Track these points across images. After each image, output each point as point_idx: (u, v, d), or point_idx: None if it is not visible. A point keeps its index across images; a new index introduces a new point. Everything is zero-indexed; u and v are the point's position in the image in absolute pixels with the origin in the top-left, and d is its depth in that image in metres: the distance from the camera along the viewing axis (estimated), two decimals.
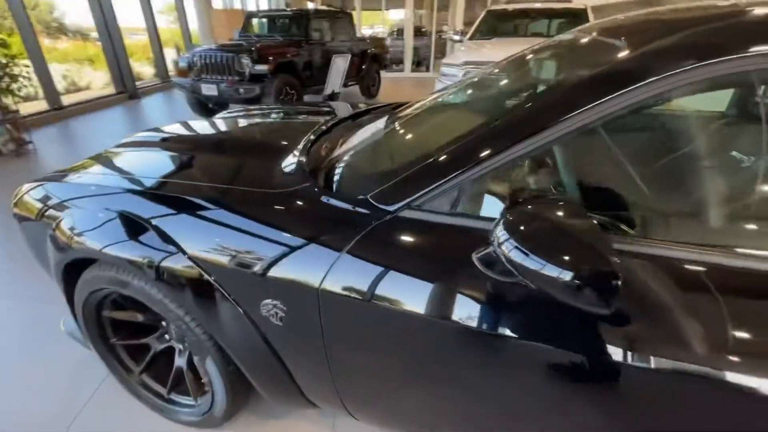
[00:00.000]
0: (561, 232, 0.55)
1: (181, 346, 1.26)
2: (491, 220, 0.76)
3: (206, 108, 5.52)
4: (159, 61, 8.45)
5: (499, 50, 3.90)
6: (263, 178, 1.03)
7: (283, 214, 0.89)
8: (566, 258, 0.53)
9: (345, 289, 0.79)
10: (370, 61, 7.16)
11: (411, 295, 0.75)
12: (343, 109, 1.90)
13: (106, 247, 1.00)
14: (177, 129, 1.59)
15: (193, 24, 9.49)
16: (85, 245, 1.03)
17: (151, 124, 5.52)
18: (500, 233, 0.59)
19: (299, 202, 0.90)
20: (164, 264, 0.94)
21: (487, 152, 0.71)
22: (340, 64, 4.45)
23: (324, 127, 1.36)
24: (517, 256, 0.57)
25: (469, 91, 1.32)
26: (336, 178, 0.99)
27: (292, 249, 0.84)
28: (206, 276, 0.91)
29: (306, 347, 0.92)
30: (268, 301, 0.88)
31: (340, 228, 0.82)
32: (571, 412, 0.69)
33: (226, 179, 1.05)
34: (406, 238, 0.77)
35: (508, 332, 0.67)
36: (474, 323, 0.70)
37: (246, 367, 1.01)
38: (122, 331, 1.31)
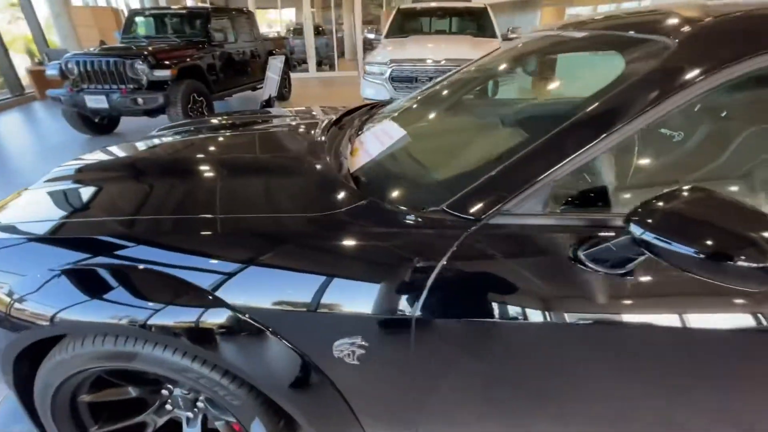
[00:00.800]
0: (701, 215, 0.57)
1: (190, 414, 1.04)
2: (587, 214, 0.76)
3: (92, 123, 4.67)
4: (7, 70, 6.88)
5: (419, 47, 4.03)
6: (306, 200, 0.89)
7: (351, 239, 0.78)
8: (706, 241, 0.56)
9: (443, 310, 0.73)
10: None
11: (516, 302, 0.72)
12: (282, 115, 1.75)
13: (102, 315, 0.76)
14: (126, 152, 1.30)
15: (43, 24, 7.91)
16: (67, 318, 0.77)
17: (13, 149, 4.49)
18: (635, 229, 0.59)
19: (368, 223, 0.80)
20: (200, 324, 0.75)
21: (576, 146, 0.70)
22: (276, 67, 4.13)
23: (323, 136, 1.23)
24: (660, 244, 0.57)
25: (488, 85, 1.32)
26: (384, 191, 0.90)
27: (374, 278, 0.74)
28: (261, 328, 0.76)
29: (385, 379, 0.82)
30: (344, 340, 0.76)
31: (425, 245, 0.74)
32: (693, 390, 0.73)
33: (262, 207, 0.88)
34: (501, 245, 0.73)
35: (631, 321, 0.69)
36: (591, 318, 0.70)
37: (306, 416, 0.86)
38: (102, 415, 1.03)
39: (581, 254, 0.70)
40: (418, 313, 0.72)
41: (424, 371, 0.79)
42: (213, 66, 5.07)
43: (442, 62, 3.70)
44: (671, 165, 0.85)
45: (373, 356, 0.77)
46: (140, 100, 4.18)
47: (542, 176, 0.71)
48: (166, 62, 4.25)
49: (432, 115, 1.26)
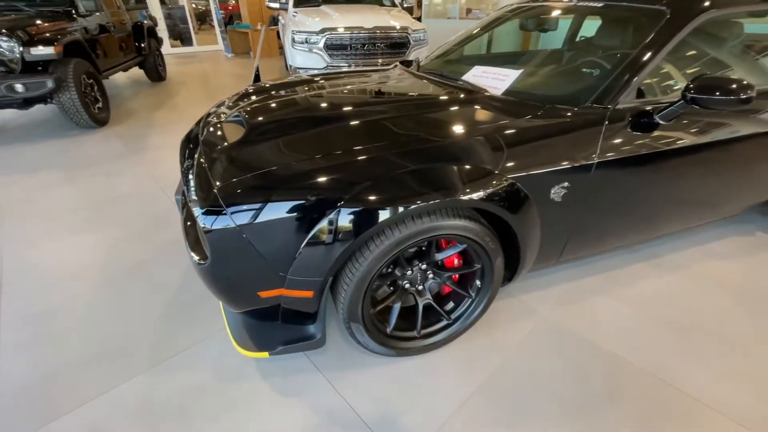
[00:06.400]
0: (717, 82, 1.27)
1: (420, 287, 1.42)
2: (655, 98, 1.44)
3: None
4: None
5: (344, 16, 4.31)
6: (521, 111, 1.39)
7: (558, 127, 1.31)
8: (716, 91, 1.28)
9: (606, 160, 1.32)
10: (149, 37, 5.99)
11: (639, 148, 1.37)
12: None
13: (431, 198, 1.11)
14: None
15: None
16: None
17: None
18: (688, 94, 1.28)
19: (559, 116, 1.33)
20: (488, 192, 1.18)
21: (643, 62, 1.36)
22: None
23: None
24: (701, 96, 1.27)
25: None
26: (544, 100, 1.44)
27: (572, 143, 1.28)
28: (520, 189, 1.23)
29: (567, 211, 1.38)
30: (557, 186, 1.30)
31: (593, 120, 1.32)
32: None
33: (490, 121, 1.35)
34: (623, 118, 1.35)
35: (680, 143, 1.42)
36: (664, 146, 1.40)
37: (526, 245, 1.35)
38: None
39: (656, 116, 1.38)
40: (597, 160, 1.31)
41: (587, 201, 1.39)
42: (91, 41, 4.30)
43: (374, 29, 4.10)
44: (690, 70, 1.60)
45: (569, 194, 1.33)
46: (20, 87, 3.39)
47: (632, 80, 1.36)
48: (46, 37, 3.51)
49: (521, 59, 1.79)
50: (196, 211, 1.10)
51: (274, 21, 9.82)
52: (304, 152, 1.21)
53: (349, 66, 4.28)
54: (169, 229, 2.31)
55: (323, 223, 1.08)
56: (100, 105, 4.17)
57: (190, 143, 1.57)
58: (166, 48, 9.40)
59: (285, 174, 1.12)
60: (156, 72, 6.25)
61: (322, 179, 1.11)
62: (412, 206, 1.09)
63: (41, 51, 3.44)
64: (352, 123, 1.38)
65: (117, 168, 3.19)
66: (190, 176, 1.31)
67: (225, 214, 1.07)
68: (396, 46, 4.34)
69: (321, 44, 4.09)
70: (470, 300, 1.47)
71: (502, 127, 1.29)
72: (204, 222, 1.07)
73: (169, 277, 1.91)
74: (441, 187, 1.13)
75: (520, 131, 1.28)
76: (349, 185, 1.09)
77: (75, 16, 4.16)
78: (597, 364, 1.46)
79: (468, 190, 1.15)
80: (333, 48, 4.13)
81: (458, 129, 1.29)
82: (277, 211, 1.07)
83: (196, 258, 1.15)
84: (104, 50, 4.58)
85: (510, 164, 1.23)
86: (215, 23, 10.22)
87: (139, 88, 6.00)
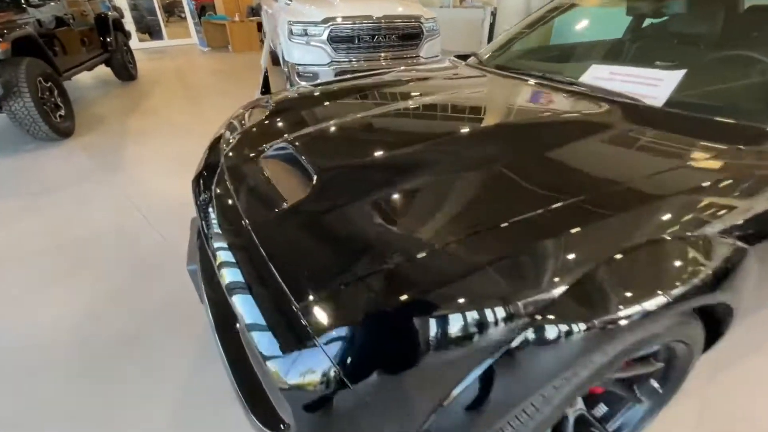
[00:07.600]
0: None
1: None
2: None
3: None
4: None
5: (348, 5, 3.76)
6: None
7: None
8: None
9: None
10: (115, 31, 5.26)
11: None
12: None
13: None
14: None
15: None
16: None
17: None
18: None
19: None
20: (719, 270, 0.72)
21: None
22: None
23: None
24: None
25: None
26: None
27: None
28: (748, 255, 0.78)
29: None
30: None
31: None
32: None
33: None
34: None
35: None
36: None
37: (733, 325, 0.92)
38: None
39: None
40: None
41: None
42: (47, 36, 3.60)
43: (381, 18, 3.58)
44: None
45: None
46: None
47: None
48: None
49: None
50: (267, 349, 0.60)
51: (254, 11, 9.10)
52: (437, 224, 0.71)
53: (351, 62, 3.75)
54: (164, 279, 1.77)
55: (492, 360, 0.60)
56: (62, 112, 3.50)
57: (210, 190, 1.03)
58: (135, 42, 8.54)
59: (417, 270, 0.63)
60: (125, 70, 5.52)
61: (487, 280, 0.62)
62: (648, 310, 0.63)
63: None
64: (496, 168, 0.87)
65: (86, 192, 2.58)
66: (228, 259, 0.79)
67: (317, 346, 0.58)
68: (407, 37, 3.83)
69: (324, 36, 3.53)
70: (638, 405, 1.02)
71: (714, 164, 0.83)
72: (283, 373, 0.57)
73: (174, 357, 1.38)
74: (671, 279, 0.67)
75: (738, 168, 0.83)
76: (534, 284, 0.62)
77: (25, 6, 3.45)
78: None
79: (702, 276, 0.70)
80: (337, 41, 3.58)
81: (652, 170, 0.82)
82: (414, 342, 0.58)
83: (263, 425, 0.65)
84: (63, 47, 3.88)
85: (738, 223, 0.77)
86: (188, 15, 9.41)
87: (107, 89, 5.27)
